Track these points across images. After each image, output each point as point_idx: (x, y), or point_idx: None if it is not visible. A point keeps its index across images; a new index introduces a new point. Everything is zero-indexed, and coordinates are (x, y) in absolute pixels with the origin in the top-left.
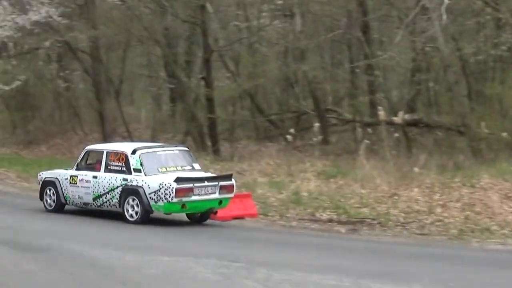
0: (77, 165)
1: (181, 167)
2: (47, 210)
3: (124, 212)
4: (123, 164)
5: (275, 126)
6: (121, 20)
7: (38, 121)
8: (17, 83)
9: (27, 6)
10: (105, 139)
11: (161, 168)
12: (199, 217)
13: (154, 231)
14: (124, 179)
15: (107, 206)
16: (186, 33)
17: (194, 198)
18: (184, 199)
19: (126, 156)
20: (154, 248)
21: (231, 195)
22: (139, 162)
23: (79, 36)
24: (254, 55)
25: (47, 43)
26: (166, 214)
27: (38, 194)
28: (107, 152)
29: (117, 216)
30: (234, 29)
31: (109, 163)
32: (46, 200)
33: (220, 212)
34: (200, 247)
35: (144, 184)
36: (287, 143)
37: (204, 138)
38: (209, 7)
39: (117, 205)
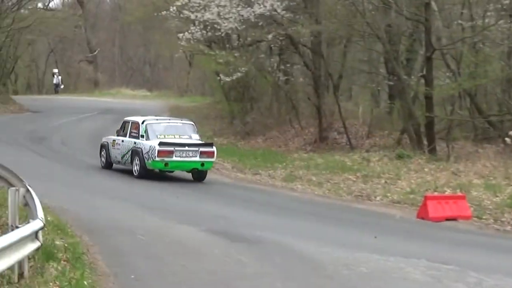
0: (117, 132)
1: (179, 135)
2: (102, 167)
3: (132, 168)
4: (137, 131)
5: (494, 127)
6: (344, 15)
7: (256, 113)
8: (238, 74)
9: None
10: (321, 134)
11: (161, 135)
12: (197, 176)
13: (365, 229)
14: (135, 143)
15: (127, 164)
16: (408, 30)
17: (175, 159)
18: (166, 159)
19: (138, 125)
20: (364, 245)
21: (212, 159)
22: (144, 130)
23: (301, 30)
24: (476, 55)
25: (269, 36)
26: (162, 171)
27: (253, 184)
28: (131, 122)
29: (328, 216)
30: (458, 28)
31: (132, 130)
32: (101, 159)
33: (434, 213)
34: (411, 247)
35: (142, 146)
36: (505, 145)
37: (420, 137)
38: (433, 5)
39: (130, 162)
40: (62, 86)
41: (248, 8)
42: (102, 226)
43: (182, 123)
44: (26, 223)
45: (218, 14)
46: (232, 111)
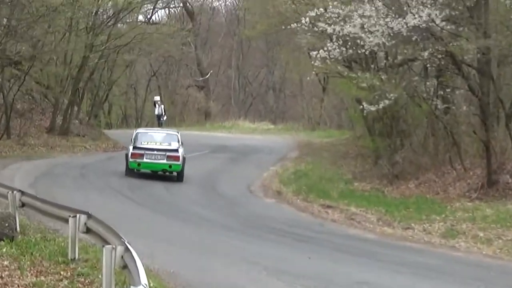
0: (131, 140)
1: (160, 143)
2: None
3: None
4: (132, 139)
5: None
6: None
7: (407, 151)
8: (385, 102)
9: (405, 7)
10: (490, 176)
11: (145, 142)
12: (176, 178)
13: None
14: (128, 148)
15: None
16: None
17: (145, 160)
18: (138, 160)
19: (133, 134)
20: None
21: (178, 162)
22: (135, 137)
23: (466, 46)
24: None
25: (425, 54)
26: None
27: (403, 242)
28: (133, 133)
29: (500, 282)
30: None
31: (133, 139)
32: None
33: None
34: None
35: (129, 150)
36: None
37: None
38: None
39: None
40: (165, 118)
41: (400, 19)
42: None
43: (166, 133)
44: None
45: (362, 27)
46: (377, 148)
